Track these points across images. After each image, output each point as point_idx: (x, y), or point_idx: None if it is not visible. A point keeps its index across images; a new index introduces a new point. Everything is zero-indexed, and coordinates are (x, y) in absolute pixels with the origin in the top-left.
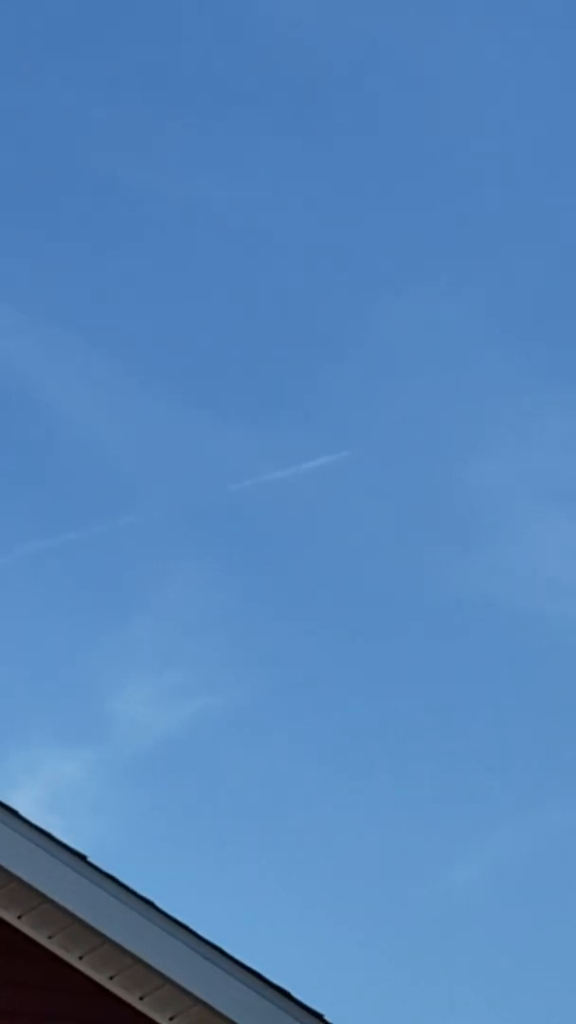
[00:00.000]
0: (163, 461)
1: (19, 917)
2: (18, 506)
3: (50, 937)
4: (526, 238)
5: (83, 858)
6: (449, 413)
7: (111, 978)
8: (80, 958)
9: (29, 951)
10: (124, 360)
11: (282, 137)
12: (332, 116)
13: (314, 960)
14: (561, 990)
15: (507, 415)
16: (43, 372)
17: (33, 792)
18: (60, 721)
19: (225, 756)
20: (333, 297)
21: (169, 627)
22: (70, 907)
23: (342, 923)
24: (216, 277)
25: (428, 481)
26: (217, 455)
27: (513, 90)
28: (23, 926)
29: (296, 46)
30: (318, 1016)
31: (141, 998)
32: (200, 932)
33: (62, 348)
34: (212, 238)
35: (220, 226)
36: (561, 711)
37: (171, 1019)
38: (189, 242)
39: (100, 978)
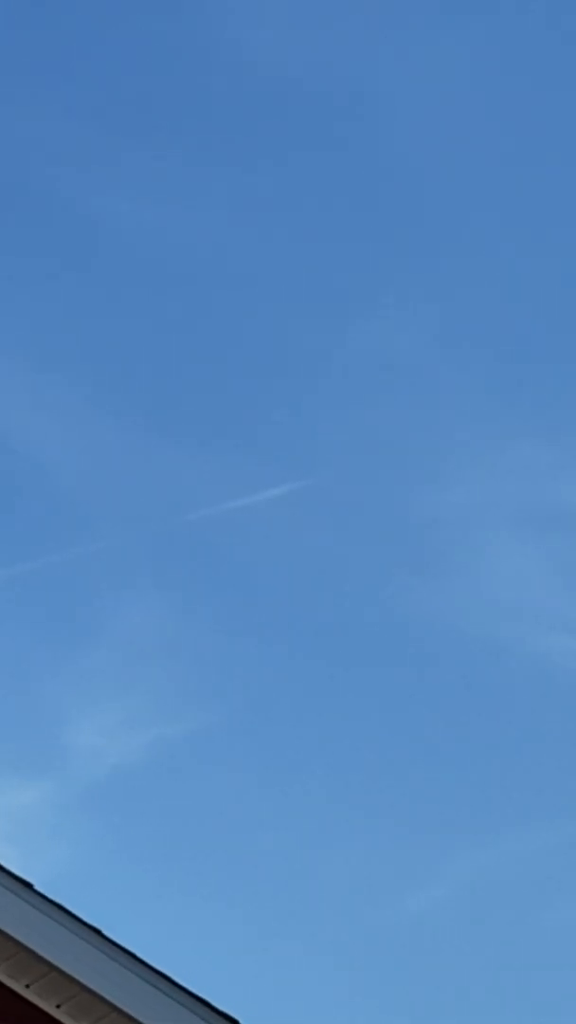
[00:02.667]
0: (121, 490)
1: None
2: None
3: None
4: (486, 267)
5: (30, 886)
6: (409, 441)
7: (58, 1007)
8: (27, 986)
9: None
10: (81, 388)
11: (239, 167)
12: (292, 144)
13: (269, 985)
14: (516, 1010)
15: (467, 442)
16: None
17: None
18: (15, 751)
19: (181, 784)
20: (294, 326)
21: (125, 656)
22: (16, 936)
23: (298, 949)
24: (175, 307)
25: (388, 509)
26: (175, 484)
27: (470, 118)
28: None
29: (247, 77)
30: None
31: None
32: (148, 960)
33: (17, 375)
34: (171, 267)
35: (179, 255)
36: (520, 738)
37: None
38: (148, 270)
39: (47, 1007)
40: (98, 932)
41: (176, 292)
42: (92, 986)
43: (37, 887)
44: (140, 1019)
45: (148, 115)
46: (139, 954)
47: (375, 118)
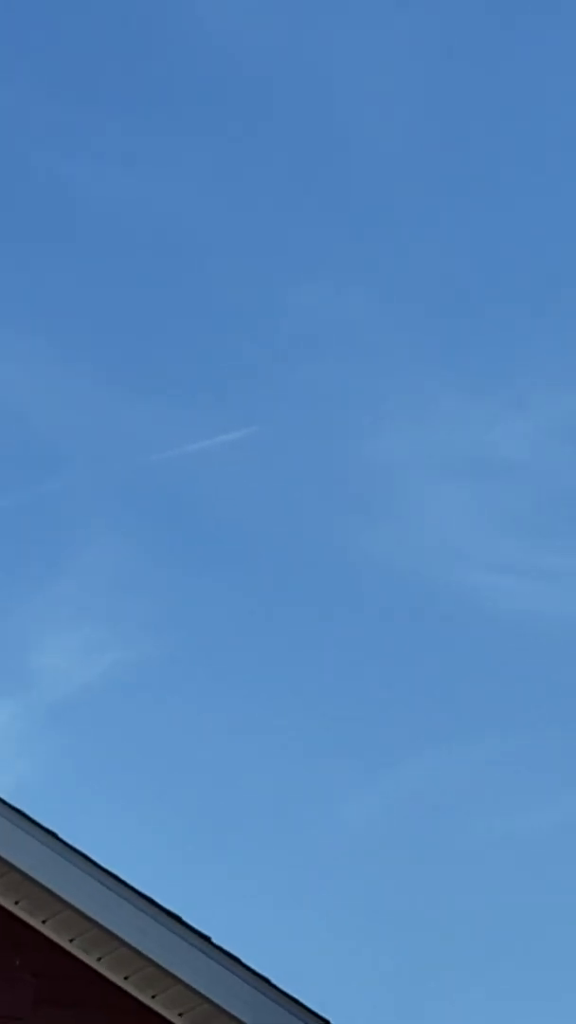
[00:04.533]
0: (87, 434)
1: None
2: None
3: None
4: (422, 233)
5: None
6: (350, 393)
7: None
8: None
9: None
10: (52, 342)
11: (204, 137)
12: (248, 119)
13: (208, 890)
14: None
15: (403, 395)
16: None
17: None
18: None
19: (136, 705)
20: (248, 287)
21: (88, 587)
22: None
23: (240, 859)
24: (138, 265)
25: (332, 455)
26: (137, 430)
27: (410, 93)
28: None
29: (215, 54)
30: (205, 937)
31: (71, 940)
32: (105, 864)
33: None
34: (135, 229)
35: (142, 218)
36: (445, 664)
37: (71, 940)
38: (114, 232)
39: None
40: (54, 835)
41: (139, 256)
42: (43, 880)
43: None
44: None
45: (108, 92)
46: (93, 856)
47: (326, 99)
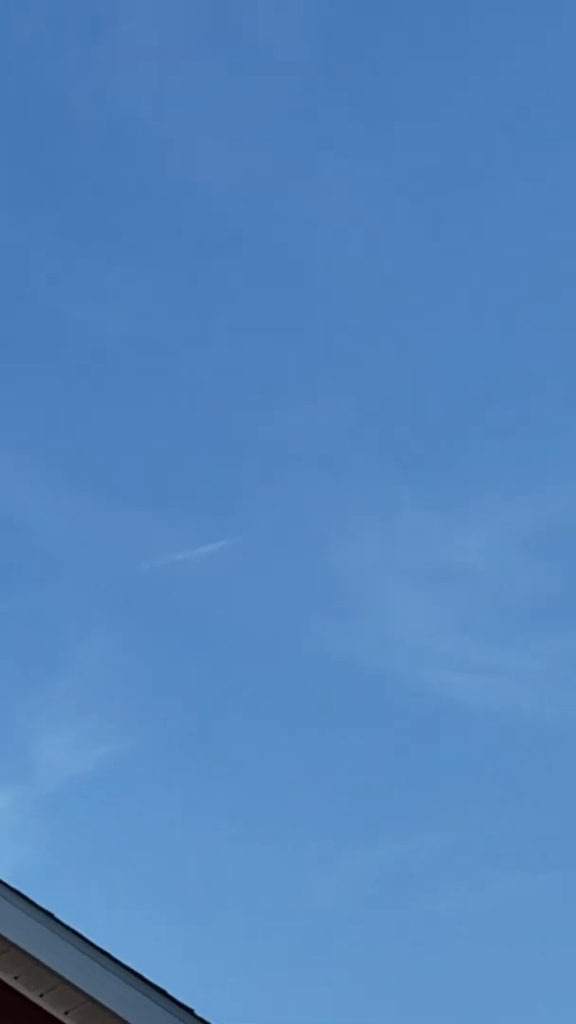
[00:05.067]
0: (85, 543)
1: None
2: None
3: None
4: (388, 362)
5: (51, 915)
6: (323, 506)
7: (15, 978)
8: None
9: None
10: (53, 459)
11: (190, 272)
12: (232, 256)
13: (192, 963)
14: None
15: (371, 509)
16: None
17: None
18: None
19: (124, 793)
20: (230, 409)
21: (84, 684)
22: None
23: (220, 933)
24: (131, 389)
25: (307, 563)
26: (130, 539)
27: (370, 239)
28: None
29: (197, 201)
30: (189, 1010)
31: (40, 995)
32: (94, 940)
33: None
34: (127, 356)
35: (134, 346)
36: (400, 753)
37: (66, 1013)
38: (108, 358)
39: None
40: (50, 915)
41: (132, 381)
42: (41, 958)
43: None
44: (83, 988)
45: (111, 235)
46: (86, 935)
47: (303, 236)
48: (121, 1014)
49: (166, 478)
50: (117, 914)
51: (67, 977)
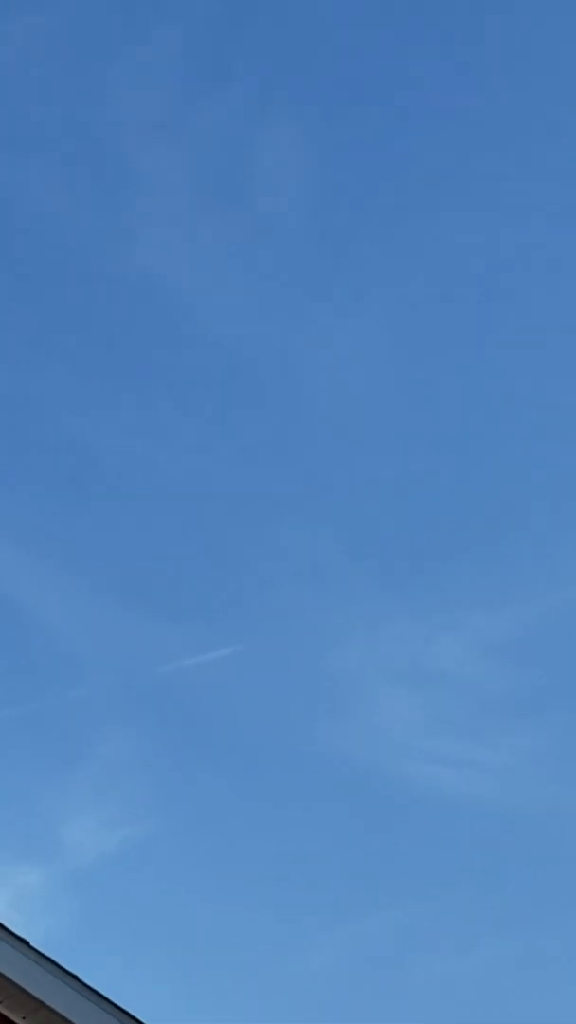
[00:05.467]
0: (106, 648)
1: None
2: None
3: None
4: (374, 489)
5: (26, 943)
6: (320, 615)
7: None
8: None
9: None
10: (78, 570)
11: (206, 410)
12: (238, 394)
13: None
14: None
15: (360, 617)
16: (17, 578)
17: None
18: (19, 844)
19: (147, 868)
20: (236, 529)
21: (106, 774)
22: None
23: (228, 995)
24: (150, 512)
25: (303, 665)
26: (147, 645)
27: (361, 382)
28: None
29: (209, 343)
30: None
31: None
32: (111, 997)
33: (31, 560)
34: (147, 484)
35: (150, 472)
36: (390, 841)
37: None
38: (129, 485)
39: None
40: (76, 977)
41: (148, 503)
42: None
43: (32, 944)
44: None
45: (122, 371)
46: (109, 996)
47: (300, 378)
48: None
49: (180, 590)
50: (136, 973)
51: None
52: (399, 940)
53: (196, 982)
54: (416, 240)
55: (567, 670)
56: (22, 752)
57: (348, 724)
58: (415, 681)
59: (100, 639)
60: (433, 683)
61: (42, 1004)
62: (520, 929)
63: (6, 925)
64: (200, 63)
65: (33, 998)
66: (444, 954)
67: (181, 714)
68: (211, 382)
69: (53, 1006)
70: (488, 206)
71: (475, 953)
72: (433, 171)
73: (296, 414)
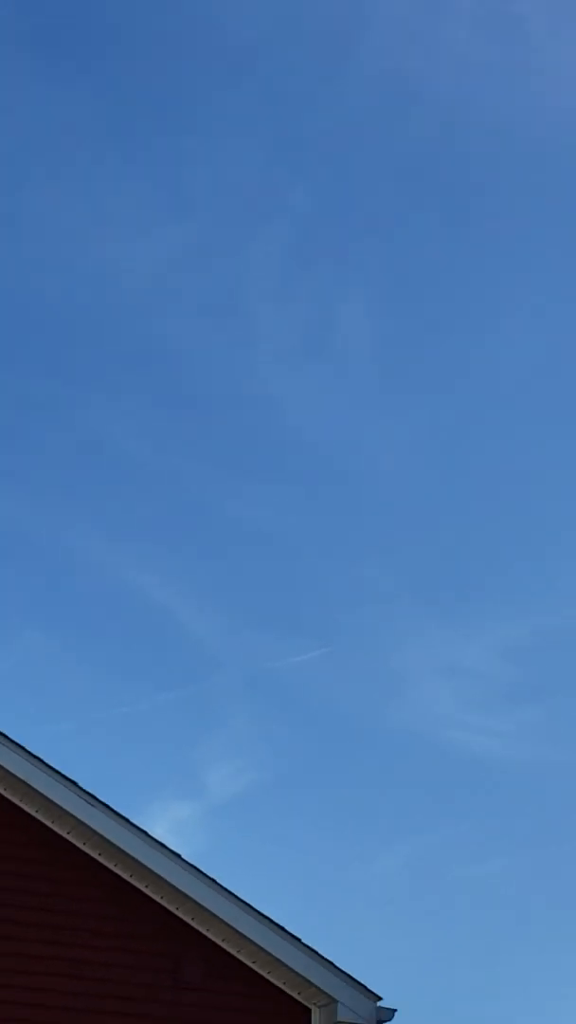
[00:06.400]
0: (236, 650)
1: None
2: (155, 668)
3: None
4: (420, 535)
5: (179, 856)
6: (381, 627)
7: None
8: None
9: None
10: (219, 596)
11: (303, 488)
12: (327, 475)
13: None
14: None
15: (409, 628)
16: (179, 603)
17: (163, 826)
18: (177, 786)
19: (264, 805)
20: (324, 567)
21: (235, 741)
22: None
23: (313, 890)
24: (267, 558)
25: (372, 664)
26: (265, 647)
27: (409, 460)
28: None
29: (306, 445)
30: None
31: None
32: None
33: (190, 589)
34: (267, 537)
35: (270, 532)
36: (434, 786)
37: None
38: (254, 537)
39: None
40: (214, 880)
41: (265, 549)
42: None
43: (183, 856)
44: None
45: (256, 465)
46: (240, 895)
47: (371, 463)
48: (252, 936)
49: (286, 609)
50: (260, 872)
51: (229, 922)
52: (440, 853)
53: (292, 878)
54: (453, 368)
55: (557, 668)
56: (180, 721)
57: (403, 705)
58: (450, 674)
59: (232, 644)
60: (462, 676)
61: (189, 897)
62: (522, 845)
63: (166, 844)
64: (302, 248)
65: (187, 896)
66: (467, 863)
67: (287, 697)
68: (310, 467)
69: (197, 899)
70: (498, 343)
71: (490, 863)
72: (460, 320)
73: (368, 485)
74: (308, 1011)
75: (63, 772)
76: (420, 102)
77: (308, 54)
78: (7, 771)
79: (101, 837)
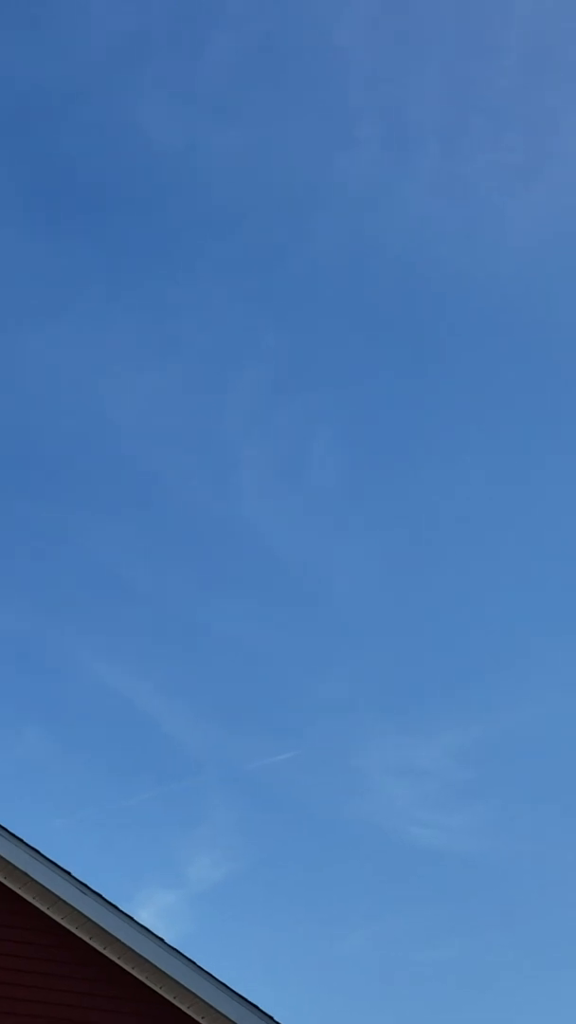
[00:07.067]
0: (214, 751)
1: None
2: (143, 769)
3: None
4: (375, 649)
5: (161, 940)
6: (350, 734)
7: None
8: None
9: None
10: (198, 701)
11: (264, 594)
12: (278, 583)
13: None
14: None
15: (371, 734)
16: (161, 709)
17: (149, 912)
18: (161, 876)
19: (240, 894)
20: (290, 677)
21: (216, 831)
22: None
23: (291, 970)
24: (239, 667)
25: (336, 765)
26: (240, 749)
27: (365, 580)
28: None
29: (267, 551)
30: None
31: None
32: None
33: (169, 696)
34: (237, 647)
35: (241, 642)
36: (391, 875)
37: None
38: (225, 647)
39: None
40: (193, 962)
41: (236, 659)
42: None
43: (166, 940)
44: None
45: (230, 579)
46: (219, 977)
47: (329, 578)
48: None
49: (259, 715)
50: (241, 955)
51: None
52: (401, 936)
53: (266, 958)
54: (410, 499)
55: (502, 769)
56: (164, 817)
57: (365, 802)
58: (406, 774)
59: (211, 746)
60: (417, 775)
61: (171, 977)
62: (473, 931)
63: (151, 929)
64: (277, 387)
65: (168, 976)
66: (424, 947)
67: (262, 794)
68: (283, 585)
69: (176, 978)
70: (449, 478)
71: (446, 947)
72: (416, 457)
73: (334, 604)
74: None
75: (59, 863)
76: (380, 256)
77: (281, 213)
78: (7, 862)
79: (93, 923)
